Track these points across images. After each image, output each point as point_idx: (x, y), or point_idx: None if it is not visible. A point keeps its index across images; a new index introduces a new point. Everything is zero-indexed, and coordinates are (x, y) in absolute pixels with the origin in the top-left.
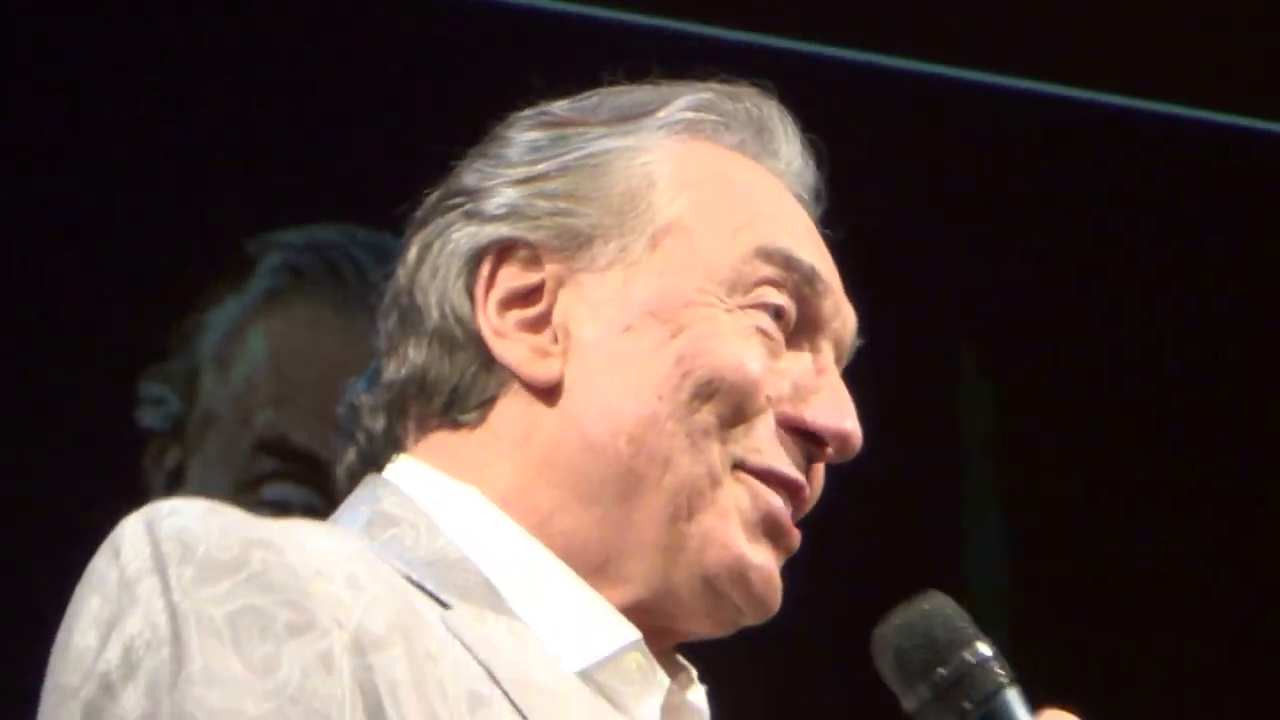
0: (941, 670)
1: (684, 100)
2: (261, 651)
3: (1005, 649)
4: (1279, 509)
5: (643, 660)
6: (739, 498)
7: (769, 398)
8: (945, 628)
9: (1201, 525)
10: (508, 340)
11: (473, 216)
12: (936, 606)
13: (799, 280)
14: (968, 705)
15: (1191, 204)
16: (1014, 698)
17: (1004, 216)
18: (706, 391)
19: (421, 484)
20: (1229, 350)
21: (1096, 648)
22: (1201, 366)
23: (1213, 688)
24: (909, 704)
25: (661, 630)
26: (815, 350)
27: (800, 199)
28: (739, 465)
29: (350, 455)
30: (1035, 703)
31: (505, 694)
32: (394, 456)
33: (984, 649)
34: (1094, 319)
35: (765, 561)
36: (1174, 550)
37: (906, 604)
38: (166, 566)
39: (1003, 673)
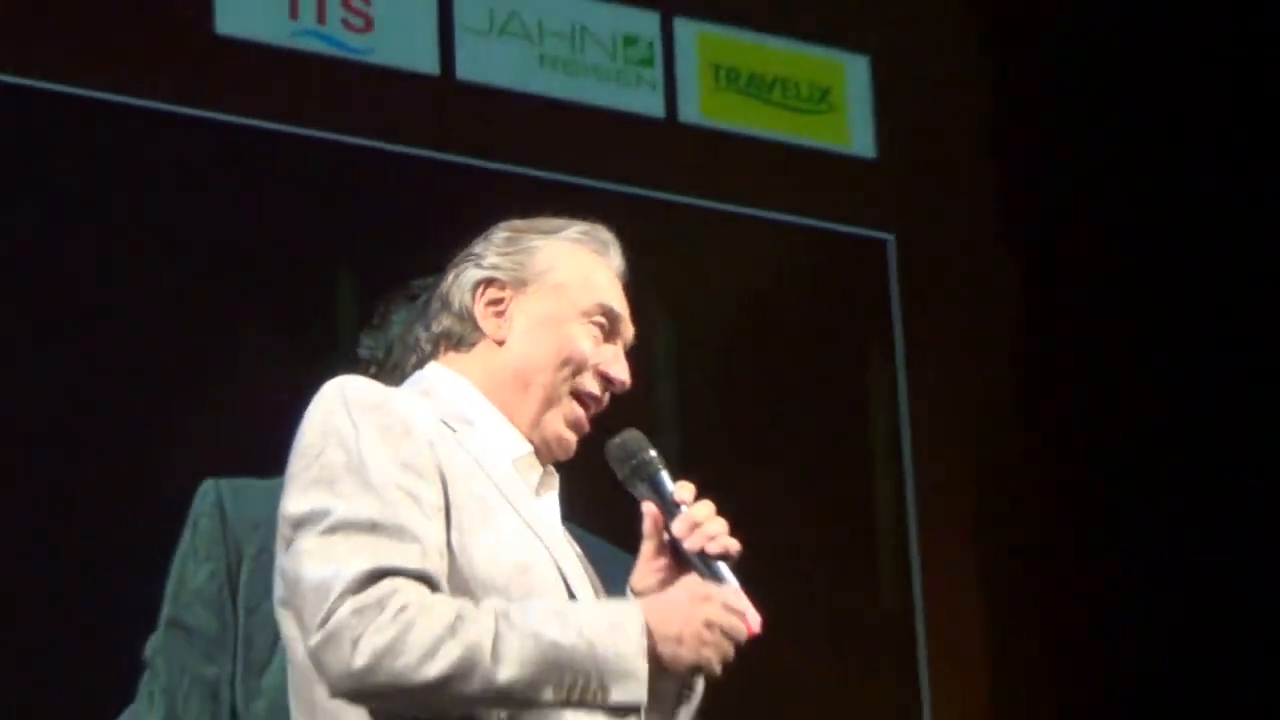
0: (633, 461)
1: (575, 228)
2: (393, 443)
3: (672, 460)
4: None
5: (532, 458)
6: (568, 407)
7: (592, 363)
8: (636, 442)
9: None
10: (487, 320)
11: (478, 265)
12: (633, 434)
13: (614, 316)
14: (645, 476)
15: None
16: (666, 475)
17: None
18: (567, 360)
19: (441, 376)
20: None
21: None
22: None
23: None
24: (620, 476)
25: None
26: (615, 345)
27: (618, 278)
28: (574, 392)
29: (413, 360)
30: (675, 478)
31: (484, 470)
32: (430, 363)
33: (653, 452)
34: None
35: (571, 438)
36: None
37: (621, 433)
38: (350, 406)
39: (660, 462)
